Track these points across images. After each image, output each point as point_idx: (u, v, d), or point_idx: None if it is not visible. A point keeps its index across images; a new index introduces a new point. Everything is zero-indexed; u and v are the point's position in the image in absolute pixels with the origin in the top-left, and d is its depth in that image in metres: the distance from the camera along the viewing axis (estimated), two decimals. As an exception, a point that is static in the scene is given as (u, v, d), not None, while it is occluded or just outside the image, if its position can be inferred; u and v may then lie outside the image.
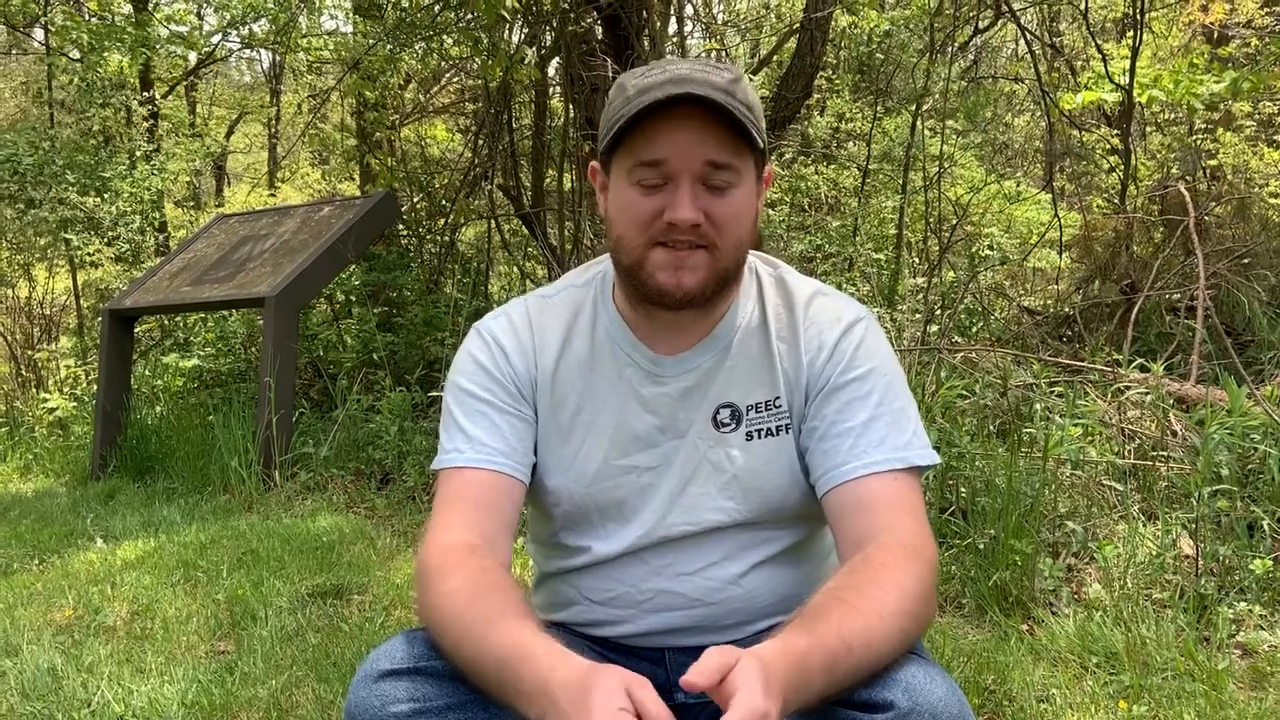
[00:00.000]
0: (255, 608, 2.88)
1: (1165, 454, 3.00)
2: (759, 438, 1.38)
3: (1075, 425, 2.89)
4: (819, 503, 1.35)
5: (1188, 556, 2.60)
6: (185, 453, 5.22)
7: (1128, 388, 3.35)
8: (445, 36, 6.69)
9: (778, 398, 1.37)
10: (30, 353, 9.03)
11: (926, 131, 6.56)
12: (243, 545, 3.64)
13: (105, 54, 8.01)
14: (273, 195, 11.66)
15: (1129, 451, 3.07)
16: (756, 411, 1.38)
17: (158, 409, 6.05)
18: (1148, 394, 3.28)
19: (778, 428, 1.37)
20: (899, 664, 1.15)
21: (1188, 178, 6.76)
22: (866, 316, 1.40)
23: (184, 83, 12.13)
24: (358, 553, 3.52)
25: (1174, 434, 3.18)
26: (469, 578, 1.20)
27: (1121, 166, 6.39)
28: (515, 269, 7.88)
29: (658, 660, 1.45)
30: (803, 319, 1.38)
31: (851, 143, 8.48)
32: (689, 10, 9.29)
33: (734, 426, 1.38)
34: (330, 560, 3.41)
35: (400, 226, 7.13)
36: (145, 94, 9.29)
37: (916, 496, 1.32)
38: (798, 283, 1.43)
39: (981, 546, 2.63)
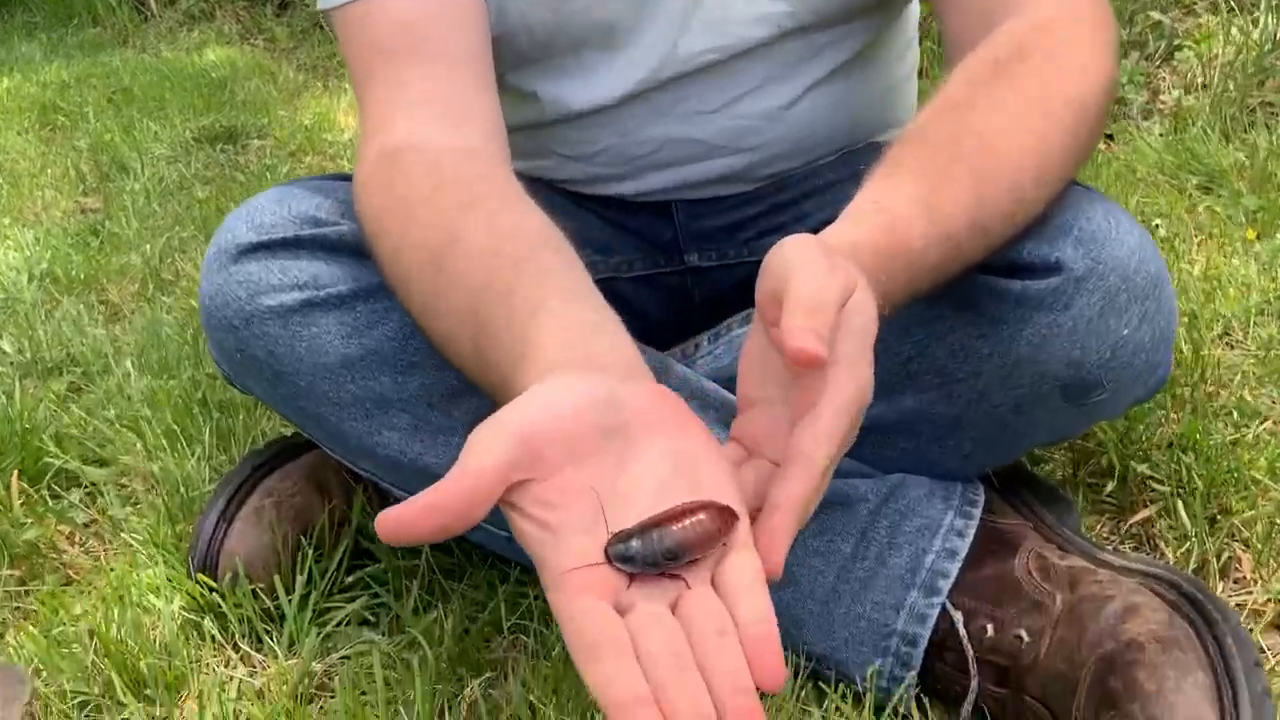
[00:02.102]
0: (127, 156, 2.32)
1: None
2: None
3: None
4: None
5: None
6: (39, -23, 4.34)
7: None
8: None
9: None
10: None
11: None
12: (114, 83, 3.00)
13: None
14: None
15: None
16: None
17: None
18: None
19: None
20: (1064, 203, 0.66)
21: None
22: None
23: None
24: (254, 89, 2.89)
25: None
26: (438, 215, 0.64)
27: None
28: None
29: (662, 213, 0.95)
30: None
31: None
32: None
33: None
34: (221, 99, 2.79)
35: None
36: None
37: None
38: None
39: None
